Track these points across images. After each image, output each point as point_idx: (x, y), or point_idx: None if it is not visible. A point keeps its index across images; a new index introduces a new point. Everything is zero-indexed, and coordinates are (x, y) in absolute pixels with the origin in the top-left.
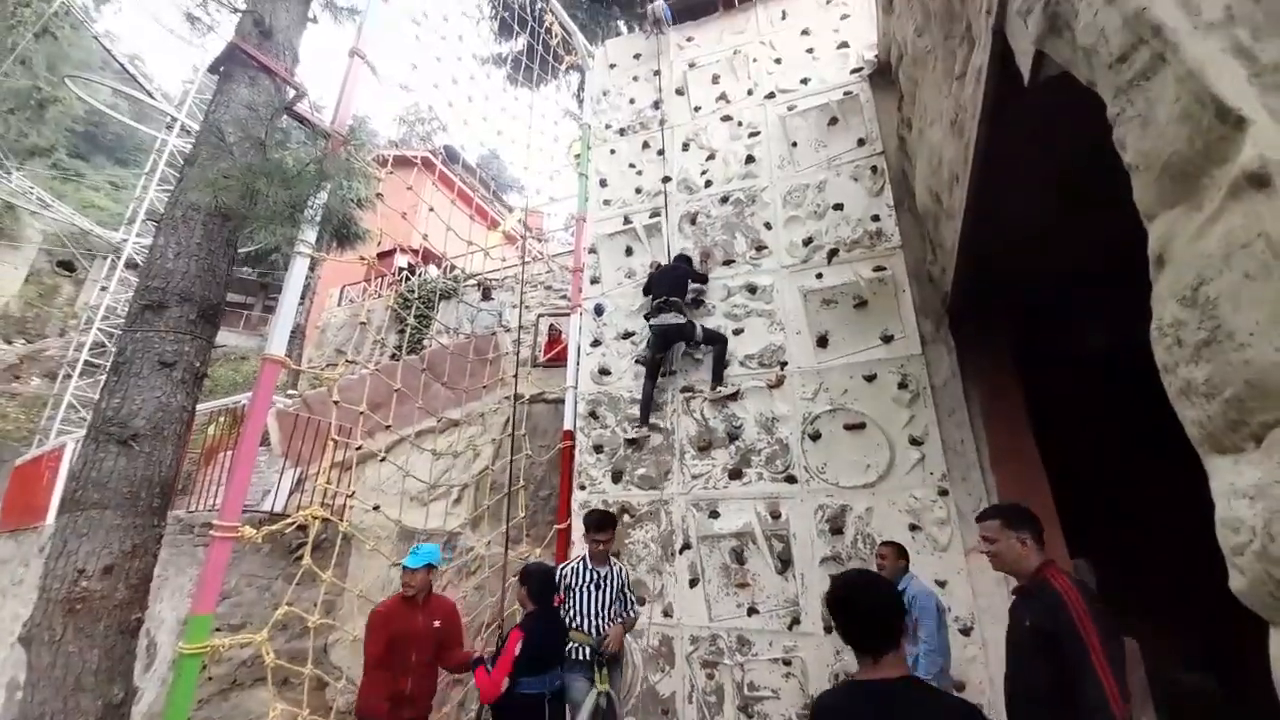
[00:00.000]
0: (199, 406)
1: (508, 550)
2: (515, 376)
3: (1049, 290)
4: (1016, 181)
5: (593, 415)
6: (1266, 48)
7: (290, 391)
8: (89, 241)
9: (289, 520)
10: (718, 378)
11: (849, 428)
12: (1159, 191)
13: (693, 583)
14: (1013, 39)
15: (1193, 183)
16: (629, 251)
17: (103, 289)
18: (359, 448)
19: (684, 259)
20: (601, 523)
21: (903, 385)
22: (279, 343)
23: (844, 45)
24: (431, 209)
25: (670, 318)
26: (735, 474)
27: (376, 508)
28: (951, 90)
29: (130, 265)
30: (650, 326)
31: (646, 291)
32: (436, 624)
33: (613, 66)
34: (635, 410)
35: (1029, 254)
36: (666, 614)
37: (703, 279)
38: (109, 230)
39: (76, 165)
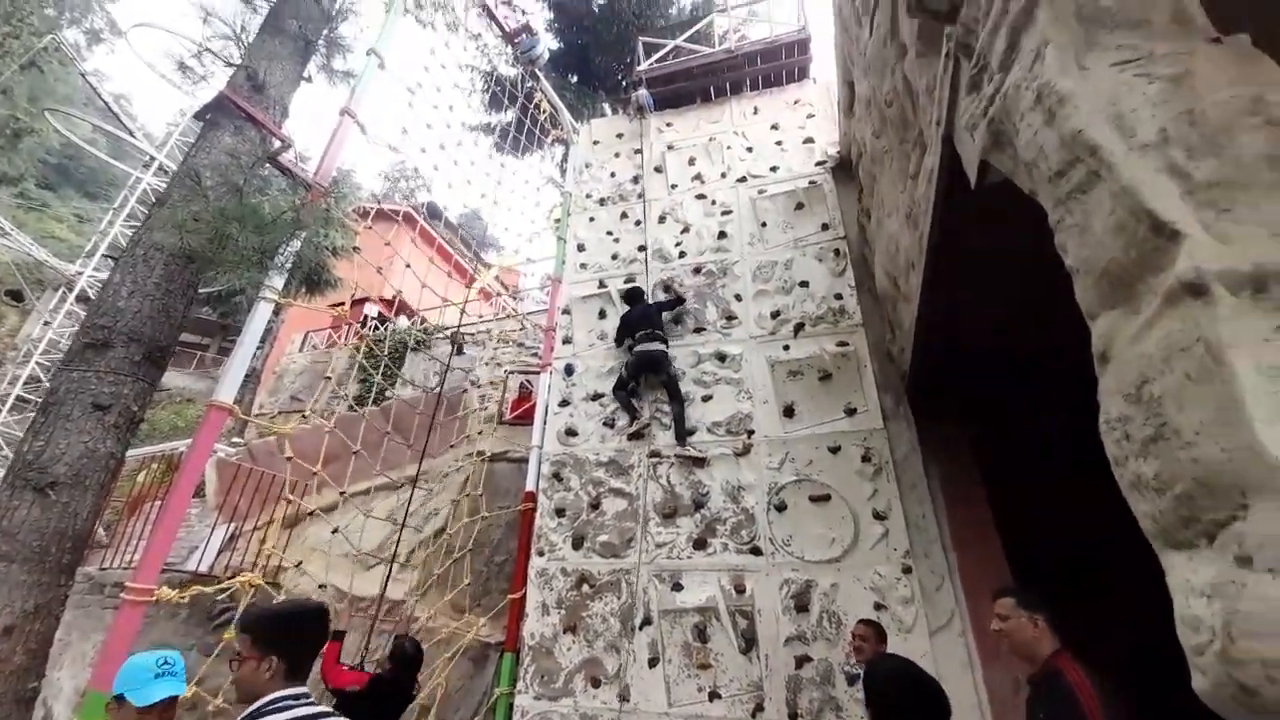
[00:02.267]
0: (130, 453)
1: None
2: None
3: (1006, 371)
4: (971, 270)
5: (556, 477)
6: (1200, 167)
7: (235, 439)
8: (42, 272)
9: (221, 586)
10: (682, 436)
11: (814, 499)
12: (1099, 294)
13: (652, 662)
14: (960, 149)
15: (1130, 288)
16: (602, 314)
17: (46, 323)
18: (318, 508)
19: (642, 292)
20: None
21: (866, 458)
22: (229, 389)
23: (809, 140)
24: (409, 265)
25: (656, 345)
26: (700, 544)
27: (299, 565)
28: (906, 187)
29: (82, 299)
30: (635, 353)
31: (622, 334)
32: None
33: (596, 143)
34: (601, 473)
35: (984, 336)
36: (623, 698)
37: (678, 300)
38: (65, 262)
39: (44, 196)
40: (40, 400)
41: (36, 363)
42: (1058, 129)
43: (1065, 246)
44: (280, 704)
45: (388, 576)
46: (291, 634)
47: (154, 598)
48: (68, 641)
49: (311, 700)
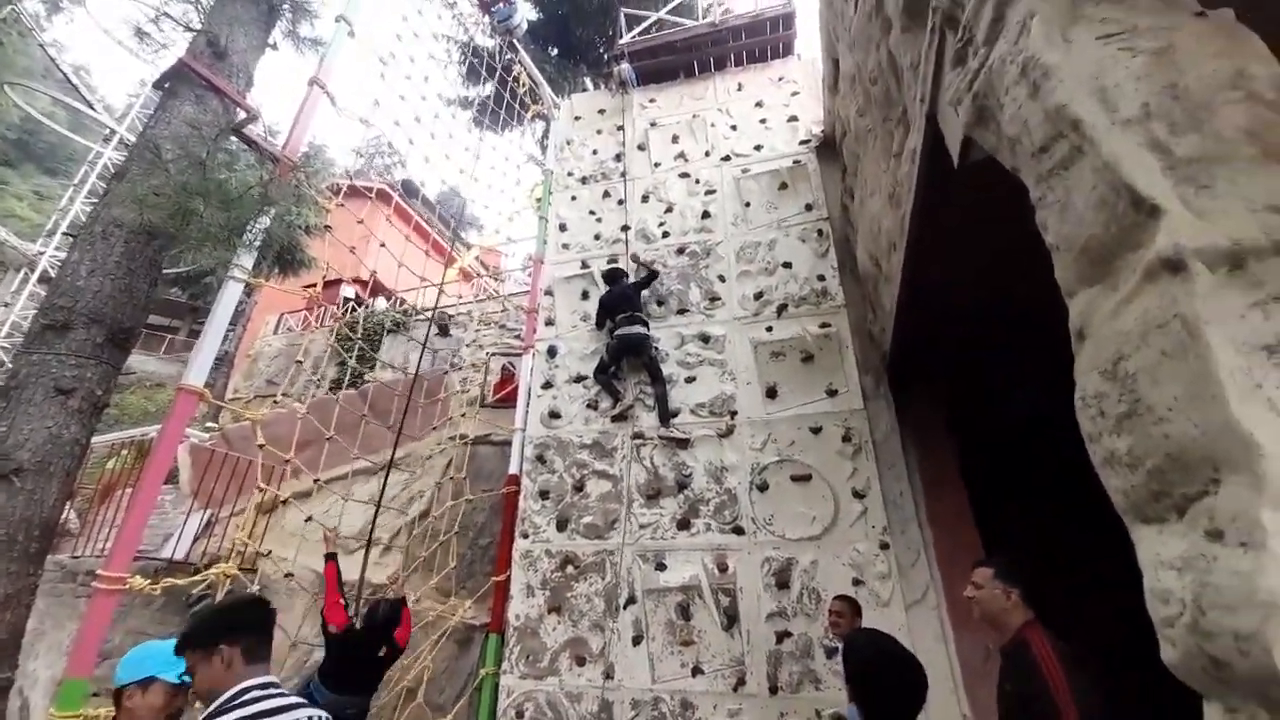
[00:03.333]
0: (100, 438)
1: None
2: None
3: (983, 353)
4: (951, 252)
5: (540, 460)
6: (1181, 142)
7: (210, 424)
8: (2, 253)
9: (194, 579)
10: (666, 418)
11: (796, 479)
12: (1078, 271)
13: (636, 640)
14: (944, 126)
15: (1109, 265)
16: (585, 295)
17: (6, 305)
18: (291, 495)
19: (622, 273)
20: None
21: (846, 438)
22: (199, 372)
23: (793, 119)
24: (383, 244)
25: (637, 329)
26: (683, 524)
27: (269, 553)
28: (889, 166)
29: (45, 280)
30: (616, 336)
31: (602, 316)
32: None
33: (577, 119)
34: (585, 455)
35: (963, 319)
36: (608, 676)
37: (653, 276)
38: (25, 241)
39: (3, 173)
40: (0, 384)
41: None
42: (1041, 103)
43: (1046, 224)
44: (247, 695)
45: (365, 560)
46: (232, 621)
47: (126, 586)
48: (42, 631)
49: (281, 690)
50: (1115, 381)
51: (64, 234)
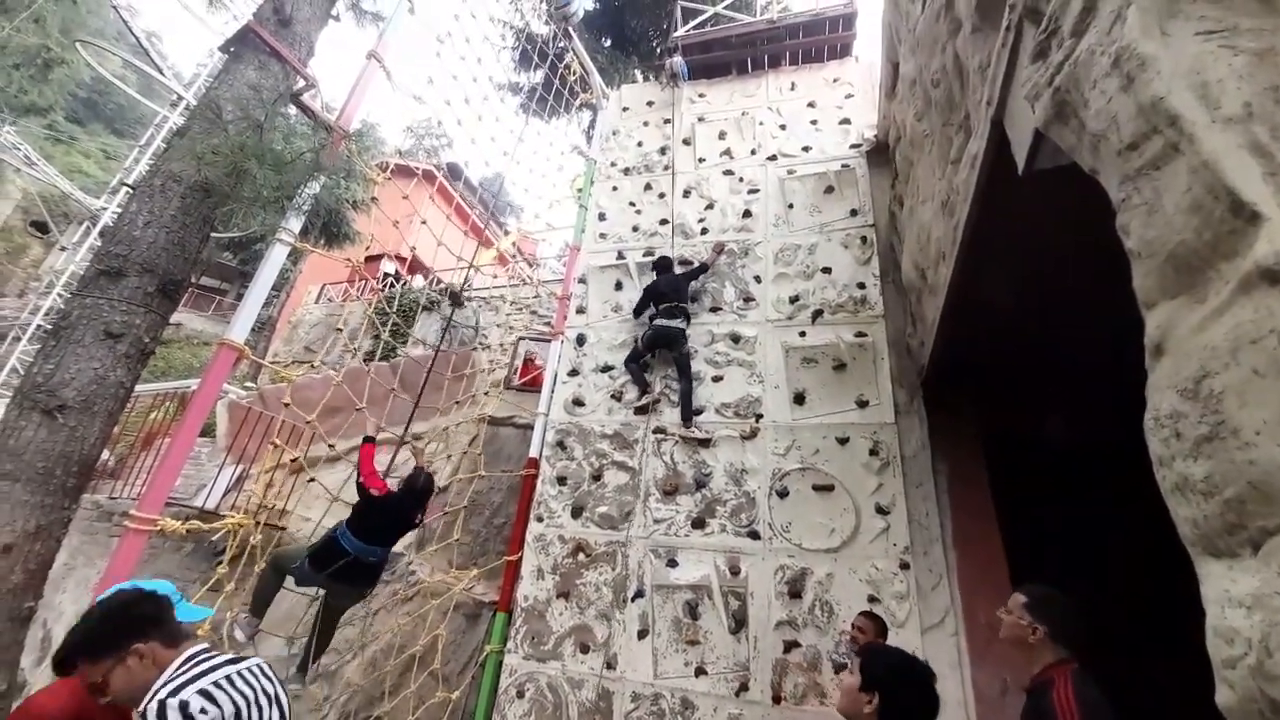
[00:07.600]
0: (146, 388)
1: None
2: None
3: (1024, 375)
4: (1000, 266)
5: (560, 446)
6: None
7: (248, 384)
8: (68, 205)
9: (218, 525)
10: (688, 416)
11: (817, 489)
12: (1160, 280)
13: (641, 634)
14: (1011, 129)
15: (1198, 274)
16: (619, 286)
17: (62, 248)
18: (295, 460)
19: (671, 262)
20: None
21: (874, 452)
22: (241, 329)
23: (846, 121)
24: (424, 221)
25: (678, 322)
26: (698, 523)
27: (283, 511)
28: (945, 173)
29: (105, 234)
30: (654, 325)
31: (644, 304)
32: None
33: (625, 109)
34: (605, 445)
35: (1007, 337)
36: (610, 665)
37: (703, 269)
38: (90, 197)
39: (72, 129)
40: (52, 325)
41: (58, 294)
42: (1135, 96)
43: (1128, 228)
44: (198, 658)
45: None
46: (132, 620)
47: (157, 527)
48: (73, 566)
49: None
50: (1196, 401)
51: (124, 185)
